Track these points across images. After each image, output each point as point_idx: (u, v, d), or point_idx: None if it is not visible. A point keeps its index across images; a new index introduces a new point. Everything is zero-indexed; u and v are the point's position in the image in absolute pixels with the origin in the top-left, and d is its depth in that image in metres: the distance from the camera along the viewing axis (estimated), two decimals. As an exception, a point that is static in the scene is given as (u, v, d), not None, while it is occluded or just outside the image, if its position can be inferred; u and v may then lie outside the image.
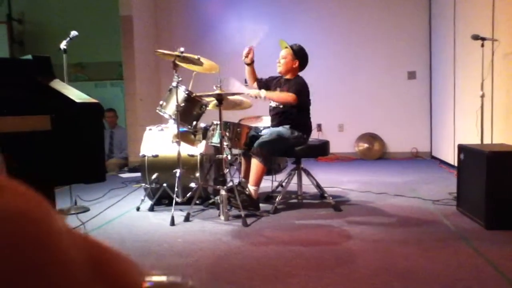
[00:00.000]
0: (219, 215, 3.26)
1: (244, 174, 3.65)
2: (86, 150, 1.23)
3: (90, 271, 0.33)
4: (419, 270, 2.17)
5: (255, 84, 3.84)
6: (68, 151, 1.22)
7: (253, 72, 3.83)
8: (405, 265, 2.24)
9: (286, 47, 3.66)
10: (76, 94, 1.23)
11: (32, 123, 1.15)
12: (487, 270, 2.15)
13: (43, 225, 0.31)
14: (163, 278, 0.41)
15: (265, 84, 3.78)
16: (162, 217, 3.31)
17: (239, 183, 3.49)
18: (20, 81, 1.22)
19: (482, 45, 3.56)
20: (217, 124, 3.31)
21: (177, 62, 3.38)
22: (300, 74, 3.70)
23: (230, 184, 3.23)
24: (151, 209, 3.55)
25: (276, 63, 3.69)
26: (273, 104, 3.68)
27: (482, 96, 3.58)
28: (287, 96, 3.47)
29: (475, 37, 3.60)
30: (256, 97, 3.53)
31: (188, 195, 3.39)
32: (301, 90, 3.51)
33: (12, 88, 1.21)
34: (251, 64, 3.74)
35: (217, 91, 3.19)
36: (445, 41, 5.60)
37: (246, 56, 3.67)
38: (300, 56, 3.64)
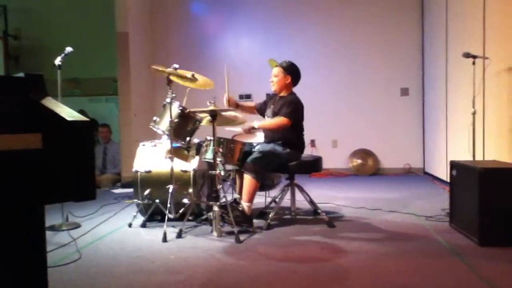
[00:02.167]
0: (212, 232, 3.24)
1: (239, 191, 3.64)
2: (76, 168, 1.22)
3: None
4: (413, 287, 2.16)
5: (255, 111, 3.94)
6: (58, 169, 1.21)
7: (247, 108, 3.92)
8: (399, 282, 2.23)
9: (276, 66, 3.70)
10: (67, 112, 1.23)
11: (23, 141, 1.15)
12: (480, 286, 2.15)
13: None
14: None
15: (265, 108, 3.84)
16: (154, 234, 3.29)
17: (235, 200, 3.47)
18: (11, 98, 1.22)
19: (474, 63, 3.61)
20: (210, 140, 3.32)
21: (172, 78, 3.40)
22: (295, 89, 3.74)
23: (223, 200, 3.22)
24: (143, 225, 3.52)
25: (270, 82, 3.73)
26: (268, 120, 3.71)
27: (474, 113, 3.62)
28: (281, 121, 3.52)
29: (467, 55, 3.65)
30: (250, 130, 3.57)
31: (180, 211, 3.37)
32: (294, 110, 3.54)
33: (3, 106, 1.22)
34: (238, 106, 3.80)
35: (211, 107, 3.21)
36: (438, 58, 5.68)
37: (229, 104, 3.69)
38: (291, 71, 3.68)
